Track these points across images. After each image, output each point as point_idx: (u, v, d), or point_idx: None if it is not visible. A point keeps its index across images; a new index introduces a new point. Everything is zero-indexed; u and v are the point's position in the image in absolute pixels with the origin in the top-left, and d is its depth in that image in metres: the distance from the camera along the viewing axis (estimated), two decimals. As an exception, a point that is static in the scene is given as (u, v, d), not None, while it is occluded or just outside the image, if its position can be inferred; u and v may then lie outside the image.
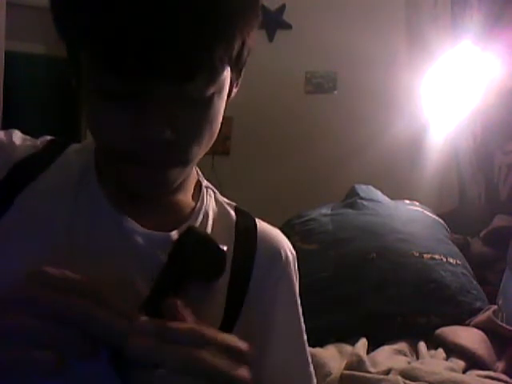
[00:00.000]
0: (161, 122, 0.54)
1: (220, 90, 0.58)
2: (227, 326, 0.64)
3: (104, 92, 0.54)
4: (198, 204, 0.71)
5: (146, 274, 0.59)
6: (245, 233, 0.72)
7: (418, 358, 1.34)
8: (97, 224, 0.62)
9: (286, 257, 0.73)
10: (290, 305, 0.74)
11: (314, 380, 0.74)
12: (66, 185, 0.64)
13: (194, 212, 0.69)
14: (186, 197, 0.71)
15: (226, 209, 0.74)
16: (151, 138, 0.55)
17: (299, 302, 0.75)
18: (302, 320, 0.75)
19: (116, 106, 0.55)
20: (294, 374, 0.73)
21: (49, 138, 0.70)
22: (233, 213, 0.74)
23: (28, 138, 0.68)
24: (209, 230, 0.69)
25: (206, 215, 0.70)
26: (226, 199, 0.76)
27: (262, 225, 0.75)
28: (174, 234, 0.65)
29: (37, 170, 0.64)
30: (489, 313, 1.44)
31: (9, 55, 3.69)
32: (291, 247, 0.75)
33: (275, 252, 0.73)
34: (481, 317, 1.45)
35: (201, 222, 0.69)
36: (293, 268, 0.74)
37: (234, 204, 0.76)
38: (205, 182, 0.75)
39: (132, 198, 0.64)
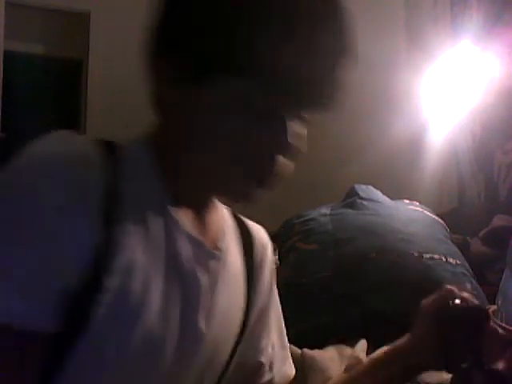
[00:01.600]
0: (301, 141, 0.67)
1: None
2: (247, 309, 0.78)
3: (261, 113, 0.63)
4: (220, 214, 0.79)
5: (211, 289, 0.70)
6: (245, 236, 0.82)
7: (417, 358, 1.34)
8: (180, 246, 0.68)
9: (269, 247, 0.86)
10: (275, 289, 0.87)
11: (291, 362, 0.87)
12: (142, 209, 0.66)
13: (224, 224, 0.78)
14: (216, 207, 0.78)
15: (226, 213, 0.81)
16: (290, 154, 0.65)
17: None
18: None
19: (268, 125, 0.64)
20: (279, 355, 0.85)
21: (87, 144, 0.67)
22: (228, 215, 0.82)
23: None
24: (229, 238, 0.77)
25: (227, 226, 0.79)
26: None
27: (248, 223, 0.85)
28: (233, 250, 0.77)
29: (119, 195, 0.64)
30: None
31: (8, 55, 3.68)
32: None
33: (264, 246, 0.85)
34: (481, 317, 1.45)
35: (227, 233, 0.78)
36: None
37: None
38: None
39: (195, 214, 0.71)
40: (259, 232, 0.86)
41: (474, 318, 0.70)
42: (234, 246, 0.78)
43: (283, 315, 0.89)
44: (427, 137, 2.58)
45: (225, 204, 0.78)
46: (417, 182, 2.45)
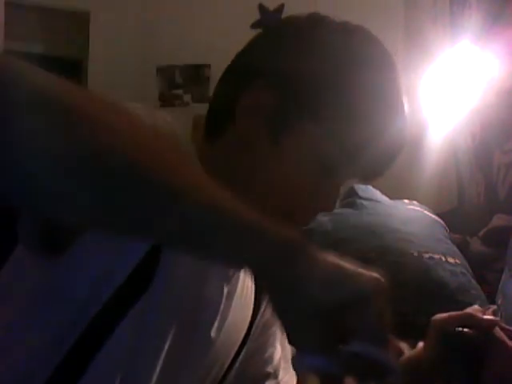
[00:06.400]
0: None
1: None
2: (253, 317, 0.79)
3: (331, 170, 0.67)
4: None
5: (228, 298, 0.72)
6: None
7: (417, 357, 1.34)
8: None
9: None
10: None
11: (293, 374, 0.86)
12: None
13: None
14: None
15: None
16: (332, 207, 0.71)
17: None
18: None
19: (329, 183, 0.68)
20: (284, 368, 0.85)
21: None
22: None
23: None
24: None
25: None
26: None
27: None
28: None
29: None
30: (488, 313, 1.44)
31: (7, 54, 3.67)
32: None
33: None
34: (480, 316, 1.45)
35: None
36: None
37: None
38: None
39: None
40: None
41: (473, 349, 0.67)
42: None
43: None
44: (426, 136, 2.58)
45: None
46: (416, 182, 2.45)
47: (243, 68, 0.69)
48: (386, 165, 0.69)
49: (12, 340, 0.59)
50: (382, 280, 0.53)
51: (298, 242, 0.52)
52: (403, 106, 0.69)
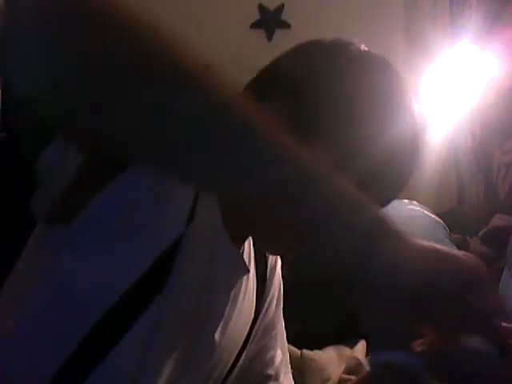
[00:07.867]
0: None
1: None
2: (254, 320, 0.79)
3: None
4: None
5: (233, 302, 0.72)
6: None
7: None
8: (221, 261, 0.69)
9: (279, 261, 0.87)
10: (281, 304, 0.88)
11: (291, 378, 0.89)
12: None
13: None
14: None
15: None
16: None
17: None
18: None
19: None
20: (285, 372, 0.87)
21: None
22: None
23: None
24: (247, 249, 0.77)
25: None
26: None
27: None
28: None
29: None
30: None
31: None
32: None
33: (275, 259, 0.85)
34: (480, 316, 1.45)
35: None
36: None
37: None
38: None
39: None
40: None
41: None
42: (251, 257, 0.79)
43: (283, 315, 0.90)
44: (426, 137, 2.58)
45: (260, 248, 0.78)
46: (416, 182, 2.44)
47: (264, 83, 0.73)
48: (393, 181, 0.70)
49: (25, 329, 0.59)
50: (482, 266, 0.47)
51: (385, 220, 0.47)
52: (403, 111, 0.70)
